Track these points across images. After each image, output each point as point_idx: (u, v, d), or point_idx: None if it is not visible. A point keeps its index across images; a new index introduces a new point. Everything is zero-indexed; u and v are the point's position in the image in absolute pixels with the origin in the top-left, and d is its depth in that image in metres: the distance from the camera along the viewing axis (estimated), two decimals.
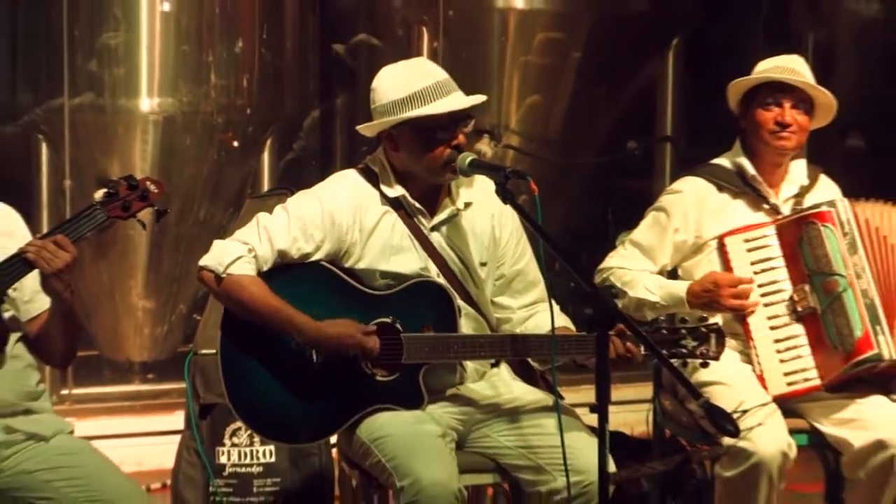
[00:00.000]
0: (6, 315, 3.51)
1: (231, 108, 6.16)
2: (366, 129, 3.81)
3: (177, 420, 5.32)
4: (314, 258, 3.76)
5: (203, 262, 3.70)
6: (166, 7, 5.98)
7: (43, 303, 3.58)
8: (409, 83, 3.70)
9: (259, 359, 3.70)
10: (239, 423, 4.81)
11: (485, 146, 6.51)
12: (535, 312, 3.87)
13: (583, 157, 6.85)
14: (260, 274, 3.70)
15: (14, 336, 3.56)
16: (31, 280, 3.50)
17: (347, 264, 3.77)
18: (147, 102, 5.99)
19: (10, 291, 3.48)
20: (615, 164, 7.15)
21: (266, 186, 6.40)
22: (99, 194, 3.49)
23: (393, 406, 3.73)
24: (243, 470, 4.85)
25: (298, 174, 6.59)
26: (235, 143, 6.22)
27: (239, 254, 3.69)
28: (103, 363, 6.27)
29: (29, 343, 3.61)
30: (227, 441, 4.85)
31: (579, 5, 6.67)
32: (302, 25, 6.52)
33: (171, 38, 6.02)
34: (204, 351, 4.71)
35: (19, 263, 3.41)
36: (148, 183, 3.53)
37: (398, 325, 3.72)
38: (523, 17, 6.57)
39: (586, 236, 6.76)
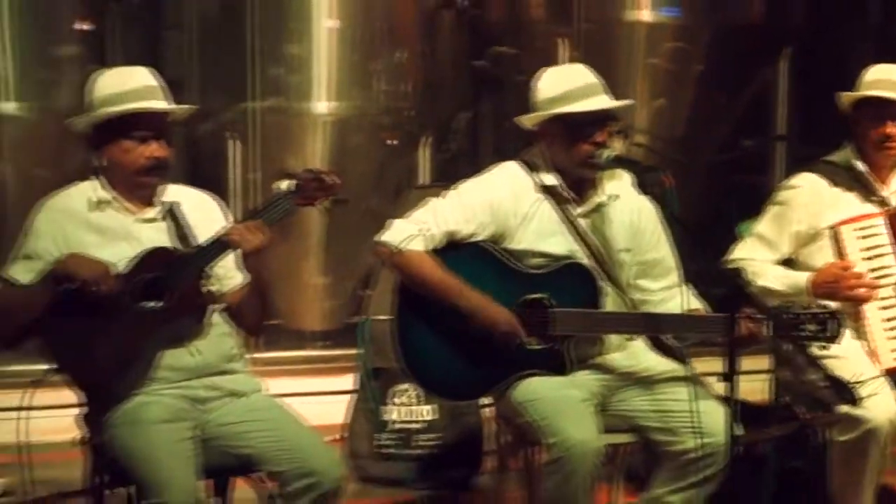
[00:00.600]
0: (209, 289, 3.55)
1: (395, 110, 6.18)
2: (524, 121, 3.81)
3: (347, 381, 5.36)
4: (478, 239, 3.76)
5: (381, 238, 3.73)
6: (338, 22, 5.99)
7: (239, 278, 3.62)
8: (564, 83, 3.73)
9: (428, 324, 3.71)
10: (404, 386, 4.84)
11: (617, 144, 6.40)
12: (672, 295, 3.84)
13: (704, 155, 6.76)
14: (431, 251, 3.70)
15: (215, 307, 3.60)
16: (230, 258, 3.56)
17: (506, 246, 3.77)
18: (322, 105, 6.02)
19: (213, 268, 3.53)
20: (733, 162, 7.03)
21: (423, 180, 6.41)
22: (283, 184, 3.51)
23: (543, 372, 3.70)
24: (407, 426, 4.89)
25: (451, 169, 6.52)
26: (398, 142, 6.25)
27: (413, 232, 3.71)
28: (284, 332, 6.26)
29: (227, 313, 3.65)
30: (394, 401, 4.89)
31: (700, 18, 6.59)
32: (455, 37, 6.53)
33: (344, 48, 6.04)
34: (378, 317, 4.73)
35: (221, 244, 3.46)
36: (329, 175, 3.54)
37: (548, 301, 3.69)
38: (651, 29, 6.52)
39: (707, 228, 6.58)
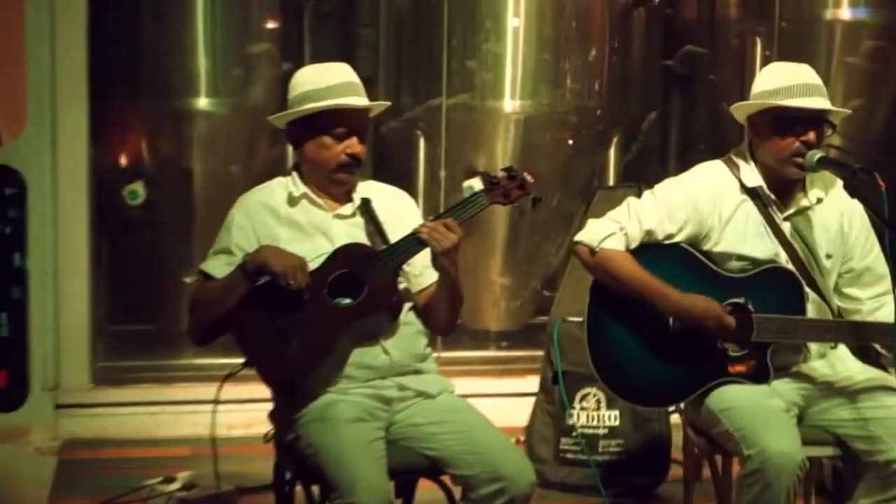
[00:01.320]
0: (401, 287, 3.52)
1: (583, 109, 6.09)
2: (736, 110, 3.73)
3: (527, 383, 5.36)
4: (676, 239, 3.68)
5: (579, 237, 3.69)
6: (529, 20, 5.95)
7: (430, 276, 3.58)
8: (787, 78, 3.62)
9: (621, 326, 3.66)
10: (588, 390, 4.80)
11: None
12: (883, 304, 3.69)
13: None
14: (629, 251, 3.65)
15: (406, 305, 3.57)
16: (422, 257, 3.51)
17: (705, 247, 3.68)
18: (510, 104, 5.96)
19: (404, 266, 3.50)
20: None
21: (611, 180, 6.34)
22: (476, 182, 3.48)
23: (741, 379, 3.60)
24: (590, 431, 4.81)
25: (639, 170, 6.48)
26: (586, 141, 6.15)
27: (611, 231, 3.66)
28: (465, 331, 6.23)
29: (418, 311, 3.62)
30: (577, 405, 4.82)
31: None
32: (646, 36, 6.41)
33: (533, 46, 5.98)
34: (571, 318, 4.70)
35: (414, 242, 3.43)
36: (526, 174, 3.49)
37: (750, 306, 3.61)
38: (850, 27, 6.30)
39: None
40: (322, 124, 3.49)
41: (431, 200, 6.00)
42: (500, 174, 3.51)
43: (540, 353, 5.06)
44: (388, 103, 3.74)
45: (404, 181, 5.57)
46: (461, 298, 3.58)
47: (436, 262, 3.44)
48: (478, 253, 6.17)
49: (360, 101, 3.56)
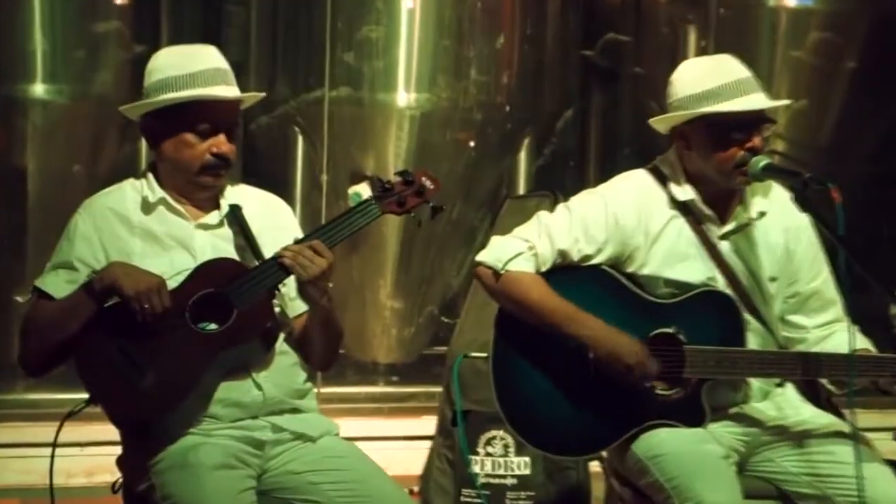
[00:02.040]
0: (276, 310, 3.52)
1: (489, 105, 6.14)
2: (658, 123, 3.75)
3: (422, 425, 5.40)
4: (595, 261, 3.71)
5: (481, 257, 3.70)
6: (426, 0, 5.99)
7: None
8: (709, 78, 3.63)
9: (532, 362, 3.67)
10: (493, 433, 4.81)
11: None
12: (832, 332, 3.74)
13: (852, 166, 6.63)
14: (539, 273, 3.66)
15: (283, 333, 3.57)
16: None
17: (629, 270, 3.70)
18: (404, 97, 6.00)
19: (279, 286, 3.49)
20: (885, 175, 6.83)
21: (522, 188, 6.40)
22: (361, 188, 3.48)
23: (672, 422, 3.64)
24: (496, 481, 4.82)
25: (554, 177, 6.57)
26: (493, 142, 6.21)
27: (519, 250, 3.67)
28: (348, 362, 6.29)
29: (293, 341, 3.63)
30: (480, 450, 4.82)
31: (855, 4, 6.47)
32: (563, 21, 6.47)
33: (432, 31, 6.02)
34: (475, 354, 4.71)
35: (276, 267, 3.42)
36: (424, 178, 3.51)
37: (681, 336, 3.62)
38: (795, 15, 6.42)
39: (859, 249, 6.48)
40: (184, 118, 3.48)
41: (310, 209, 6.03)
42: (394, 179, 3.52)
43: (437, 389, 5.10)
44: (263, 94, 3.74)
45: (279, 186, 5.54)
46: (339, 331, 3.61)
47: (302, 291, 3.45)
48: (365, 271, 6.20)
49: (230, 91, 3.55)
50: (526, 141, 6.42)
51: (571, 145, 6.80)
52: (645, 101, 6.45)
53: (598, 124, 6.95)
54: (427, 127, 5.99)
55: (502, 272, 3.66)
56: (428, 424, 5.09)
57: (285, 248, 3.41)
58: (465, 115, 6.09)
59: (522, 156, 6.43)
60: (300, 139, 6.13)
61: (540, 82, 6.34)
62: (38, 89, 5.71)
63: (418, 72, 5.98)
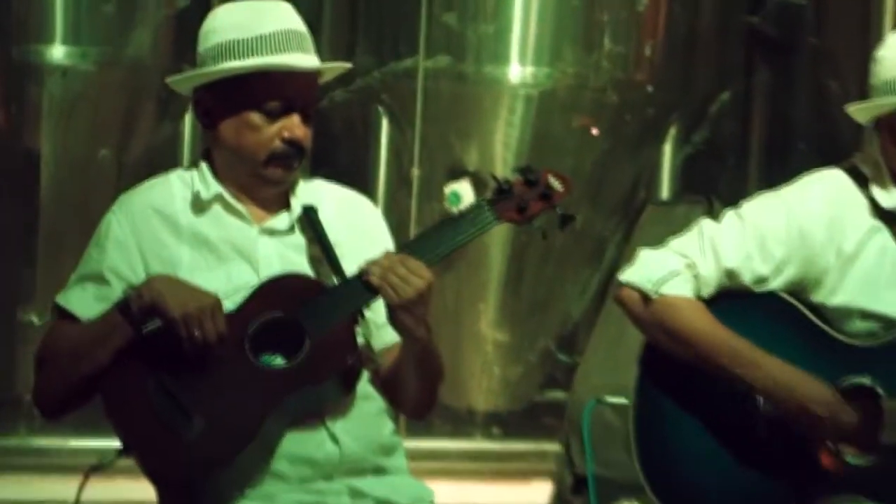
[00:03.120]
0: (360, 341, 3.51)
1: (627, 83, 6.19)
2: (860, 112, 3.76)
3: (532, 492, 5.49)
4: (771, 286, 3.72)
5: (626, 277, 3.74)
6: None
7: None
8: None
9: (686, 411, 3.72)
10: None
11: None
12: None
13: None
14: (700, 298, 3.69)
15: (367, 371, 3.57)
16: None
17: (816, 299, 3.71)
18: (518, 71, 6.05)
19: (364, 310, 3.50)
20: None
21: (665, 190, 6.43)
22: (463, 187, 3.49)
23: (864, 498, 3.65)
24: None
25: (707, 175, 6.56)
26: (630, 131, 6.24)
27: (676, 269, 3.71)
28: (441, 411, 6.27)
29: (379, 382, 3.63)
30: None
31: None
32: None
33: None
34: (611, 398, 4.71)
35: (361, 287, 3.42)
36: (552, 178, 3.51)
37: (878, 390, 3.63)
38: None
39: None
40: (249, 93, 3.50)
41: (397, 210, 6.06)
42: (513, 177, 3.52)
43: (552, 446, 5.19)
44: (348, 65, 3.77)
45: (355, 181, 5.46)
46: (439, 370, 3.61)
47: (394, 318, 3.43)
48: (461, 293, 6.25)
49: (308, 59, 3.56)
50: (672, 130, 6.47)
51: (729, 136, 6.79)
52: (825, 80, 6.45)
53: (763, 110, 6.93)
54: (546, 110, 6.03)
55: (655, 296, 3.70)
56: (540, 492, 5.20)
57: (372, 263, 3.39)
58: (595, 97, 6.15)
59: (667, 149, 6.48)
60: (385, 121, 6.17)
61: (691, 56, 6.42)
62: (57, 52, 5.78)
63: (537, 40, 6.01)
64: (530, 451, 6.10)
